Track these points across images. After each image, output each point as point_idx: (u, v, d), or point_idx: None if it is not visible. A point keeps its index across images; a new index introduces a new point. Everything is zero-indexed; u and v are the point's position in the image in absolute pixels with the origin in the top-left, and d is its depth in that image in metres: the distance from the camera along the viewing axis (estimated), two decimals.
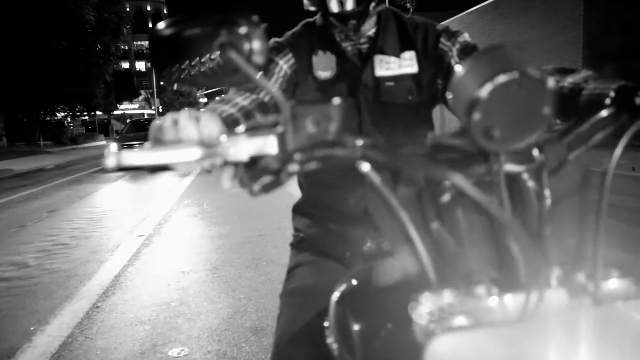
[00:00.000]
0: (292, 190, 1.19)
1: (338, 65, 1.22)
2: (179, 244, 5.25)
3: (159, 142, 0.68)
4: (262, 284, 3.80)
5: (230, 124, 0.88)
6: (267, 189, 0.60)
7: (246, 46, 0.61)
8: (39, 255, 5.01)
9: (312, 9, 1.23)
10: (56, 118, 31.21)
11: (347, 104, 0.66)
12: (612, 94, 0.82)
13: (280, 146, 0.60)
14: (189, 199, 8.01)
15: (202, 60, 0.61)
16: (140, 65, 78.62)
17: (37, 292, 3.86)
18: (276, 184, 0.61)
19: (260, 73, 0.62)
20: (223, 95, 1.06)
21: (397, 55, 1.22)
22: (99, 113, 37.02)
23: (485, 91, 0.53)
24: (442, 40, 1.22)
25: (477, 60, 0.56)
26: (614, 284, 0.63)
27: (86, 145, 29.54)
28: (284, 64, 1.21)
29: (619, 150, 0.68)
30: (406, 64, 1.22)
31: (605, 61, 15.03)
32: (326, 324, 0.84)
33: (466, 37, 1.24)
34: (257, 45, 0.62)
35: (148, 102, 63.87)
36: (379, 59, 1.22)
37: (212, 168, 0.61)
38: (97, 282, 4.02)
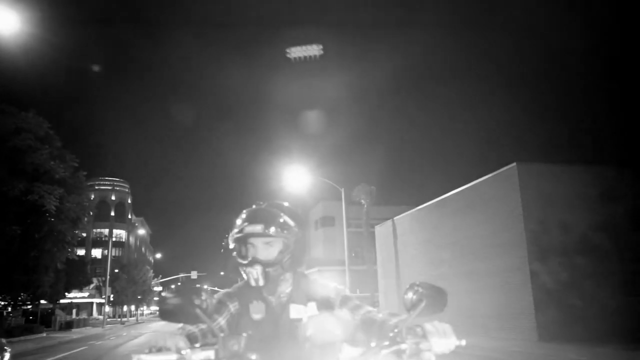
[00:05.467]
0: None
1: (266, 310, 1.83)
2: None
3: (155, 348, 1.30)
4: None
5: (192, 338, 1.53)
6: None
7: (204, 305, 1.42)
8: None
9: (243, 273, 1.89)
10: None
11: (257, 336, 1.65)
12: (395, 330, 1.51)
13: (215, 356, 1.33)
14: None
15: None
16: (96, 252, 77.13)
17: None
18: None
19: (210, 318, 1.48)
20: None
21: (305, 304, 1.83)
22: (43, 302, 34.86)
23: None
24: (331, 294, 1.88)
25: None
26: None
27: (22, 338, 27.16)
28: (232, 307, 1.84)
29: None
30: (310, 310, 1.81)
31: (549, 257, 15.85)
32: None
33: (346, 291, 1.91)
34: (210, 304, 1.44)
35: (99, 290, 61.18)
36: (293, 307, 1.82)
37: None
38: None
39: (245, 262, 1.80)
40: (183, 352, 1.30)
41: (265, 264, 1.79)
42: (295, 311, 1.81)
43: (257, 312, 1.81)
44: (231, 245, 1.86)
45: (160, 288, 71.88)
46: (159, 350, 1.30)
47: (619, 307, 15.28)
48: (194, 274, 69.13)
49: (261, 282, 1.78)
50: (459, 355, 10.19)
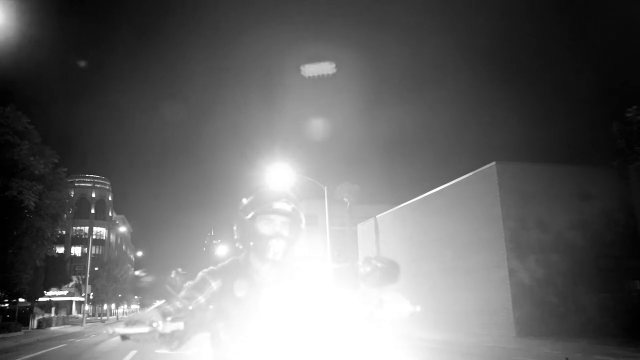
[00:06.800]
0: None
1: (249, 288, 1.90)
2: None
3: (131, 322, 1.42)
4: None
5: (167, 314, 1.56)
6: (179, 345, 1.57)
7: (173, 282, 1.60)
8: None
9: (241, 247, 2.00)
10: None
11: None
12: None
13: (185, 326, 1.51)
14: None
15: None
16: (76, 250, 75.96)
17: None
18: (182, 343, 1.57)
19: (179, 294, 1.70)
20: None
21: (287, 286, 1.92)
22: (21, 300, 34.33)
23: None
24: (311, 279, 2.02)
25: None
26: None
27: None
28: (214, 285, 1.90)
29: None
30: (290, 292, 1.92)
31: (526, 254, 16.19)
32: None
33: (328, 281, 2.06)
34: (178, 281, 1.77)
35: (78, 288, 60.43)
36: (275, 287, 1.91)
37: (154, 337, 1.43)
38: None
39: (268, 234, 1.90)
40: (154, 324, 1.42)
41: (287, 240, 1.92)
42: (276, 292, 1.91)
43: (240, 289, 1.89)
44: (248, 217, 1.93)
45: None
46: (134, 323, 1.42)
47: (593, 303, 15.69)
48: (174, 274, 68.62)
49: (279, 257, 1.89)
50: (437, 350, 10.31)
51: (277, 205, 1.92)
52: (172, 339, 1.54)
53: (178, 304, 1.69)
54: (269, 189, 2.01)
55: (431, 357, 12.20)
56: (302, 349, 1.84)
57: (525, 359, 11.04)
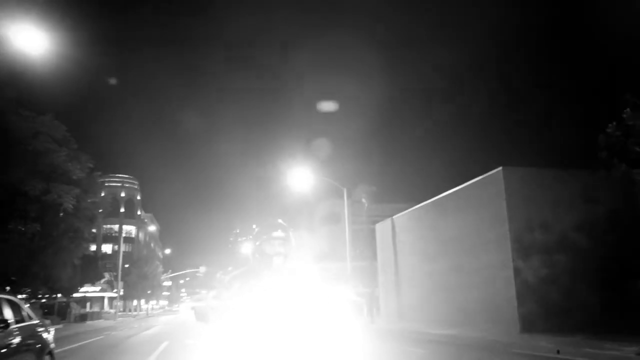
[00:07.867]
0: None
1: (260, 286, 2.89)
2: None
3: (197, 300, 3.49)
4: None
5: (215, 296, 2.93)
6: (221, 316, 2.93)
7: (220, 279, 3.93)
8: None
9: (252, 259, 3.06)
10: None
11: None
12: None
13: (224, 306, 2.94)
14: None
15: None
16: (106, 248, 78.84)
17: None
18: (223, 314, 2.93)
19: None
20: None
21: (285, 285, 2.99)
22: (59, 295, 36.52)
23: None
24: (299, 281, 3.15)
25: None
26: None
27: None
28: (236, 285, 2.93)
29: None
30: (287, 289, 2.96)
31: (531, 254, 17.06)
32: None
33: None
34: (225, 279, 3.13)
35: (110, 285, 62.96)
36: (277, 285, 2.94)
37: (207, 309, 2.95)
38: None
39: (271, 253, 2.93)
40: (210, 302, 2.63)
41: (283, 255, 2.96)
42: (278, 288, 2.94)
43: (255, 287, 2.88)
44: (257, 243, 2.98)
45: (170, 283, 73.39)
46: (198, 301, 2.85)
47: (596, 301, 16.49)
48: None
49: (280, 267, 2.91)
50: (441, 343, 11.49)
51: (275, 234, 3.00)
52: (217, 312, 2.68)
53: (222, 292, 2.80)
54: (269, 222, 3.14)
55: (434, 350, 13.27)
56: (297, 322, 2.82)
57: (522, 351, 12.01)
